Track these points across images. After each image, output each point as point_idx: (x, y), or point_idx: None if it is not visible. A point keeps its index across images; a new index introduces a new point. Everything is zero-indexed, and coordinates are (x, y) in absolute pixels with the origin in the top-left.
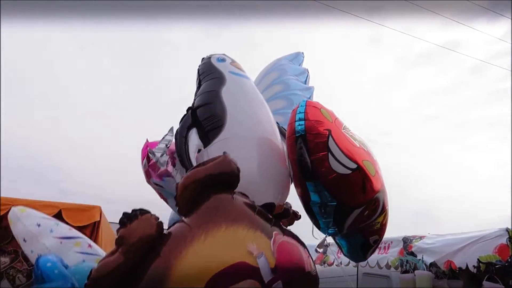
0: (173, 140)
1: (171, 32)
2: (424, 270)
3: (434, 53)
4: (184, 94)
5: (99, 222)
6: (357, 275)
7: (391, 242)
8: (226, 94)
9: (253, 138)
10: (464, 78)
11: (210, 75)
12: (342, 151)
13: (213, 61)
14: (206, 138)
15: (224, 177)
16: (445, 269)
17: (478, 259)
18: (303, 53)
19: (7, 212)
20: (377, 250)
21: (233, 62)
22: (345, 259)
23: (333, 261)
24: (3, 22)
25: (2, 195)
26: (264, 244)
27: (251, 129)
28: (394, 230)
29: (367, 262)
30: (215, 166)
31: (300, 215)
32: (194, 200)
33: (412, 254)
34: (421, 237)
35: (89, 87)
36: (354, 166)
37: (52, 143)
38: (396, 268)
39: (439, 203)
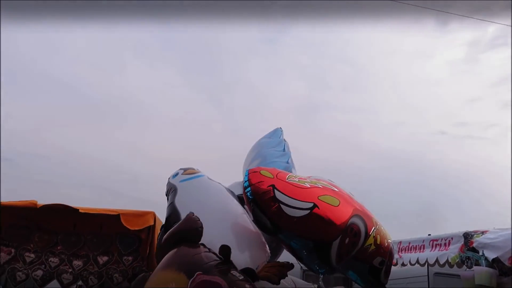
0: None
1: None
2: (484, 266)
3: (508, 34)
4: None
5: (153, 226)
6: (428, 275)
7: (452, 238)
8: (179, 201)
9: (212, 220)
10: None
11: (170, 191)
12: (292, 197)
13: (170, 179)
14: None
15: (185, 233)
16: (510, 265)
17: None
18: (280, 128)
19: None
20: (436, 247)
21: (184, 171)
22: (413, 259)
23: (396, 260)
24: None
25: (67, 203)
26: (183, 284)
27: (207, 213)
28: (476, 224)
29: (437, 261)
30: (179, 225)
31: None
32: (162, 254)
33: (474, 250)
34: (483, 232)
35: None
36: (309, 205)
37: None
38: (457, 265)
39: None
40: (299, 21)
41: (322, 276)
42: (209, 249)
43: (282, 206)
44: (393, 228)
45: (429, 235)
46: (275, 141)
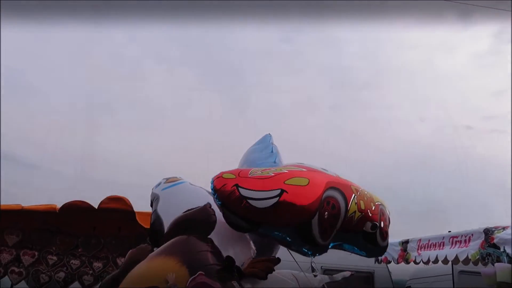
0: None
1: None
2: (506, 263)
3: None
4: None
5: None
6: (453, 273)
7: (472, 234)
8: (161, 209)
9: None
10: None
11: (154, 200)
12: (257, 190)
13: (153, 189)
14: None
15: (197, 223)
16: None
17: None
18: (270, 134)
19: None
20: (456, 244)
21: (167, 180)
22: (433, 256)
23: (414, 258)
24: None
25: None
26: (183, 278)
27: None
28: (501, 220)
29: (456, 258)
30: (194, 212)
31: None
32: (170, 236)
33: (494, 246)
34: (504, 228)
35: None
36: (276, 192)
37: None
38: (477, 262)
39: None
40: (317, 20)
41: (313, 257)
42: (216, 247)
43: (250, 201)
44: (417, 223)
45: (449, 231)
46: (262, 146)
